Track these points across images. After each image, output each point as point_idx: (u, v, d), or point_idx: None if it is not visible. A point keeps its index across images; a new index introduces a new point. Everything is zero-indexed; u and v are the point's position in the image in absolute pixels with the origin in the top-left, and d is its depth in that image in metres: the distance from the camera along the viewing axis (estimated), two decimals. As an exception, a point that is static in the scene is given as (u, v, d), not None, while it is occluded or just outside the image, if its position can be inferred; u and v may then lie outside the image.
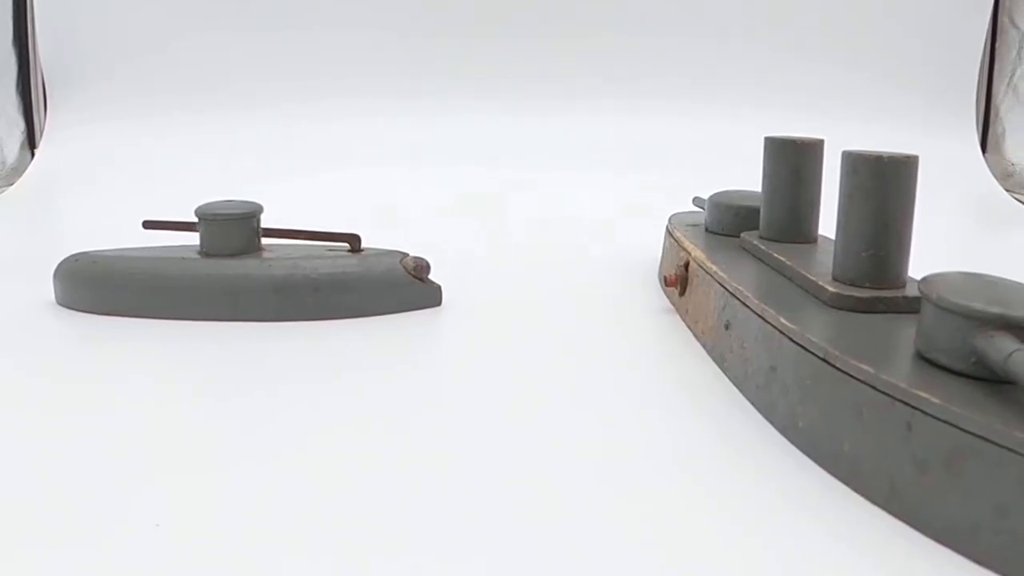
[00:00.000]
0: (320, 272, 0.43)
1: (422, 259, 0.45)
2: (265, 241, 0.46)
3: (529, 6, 0.92)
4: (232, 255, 0.44)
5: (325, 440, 0.29)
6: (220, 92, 0.90)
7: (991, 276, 0.28)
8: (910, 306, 0.32)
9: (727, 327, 0.37)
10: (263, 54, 0.91)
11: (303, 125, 0.89)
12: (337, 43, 0.91)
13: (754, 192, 0.48)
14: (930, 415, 0.24)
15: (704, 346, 0.40)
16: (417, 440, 0.29)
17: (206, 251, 0.44)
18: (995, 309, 0.25)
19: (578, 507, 0.25)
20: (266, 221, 0.45)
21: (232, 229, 0.44)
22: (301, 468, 0.27)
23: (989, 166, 0.99)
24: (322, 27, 0.91)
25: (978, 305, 0.25)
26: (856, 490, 0.27)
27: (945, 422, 0.24)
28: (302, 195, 0.73)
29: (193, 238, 0.45)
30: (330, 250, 0.45)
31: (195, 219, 0.44)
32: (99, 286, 0.43)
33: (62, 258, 0.45)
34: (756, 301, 0.34)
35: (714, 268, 0.40)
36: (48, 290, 0.45)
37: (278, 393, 0.33)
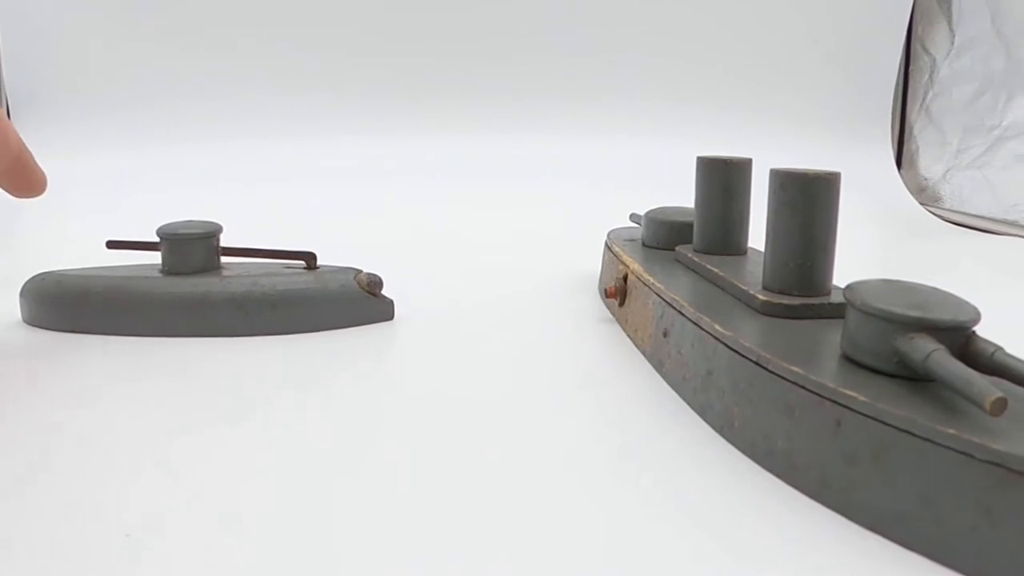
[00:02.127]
0: (278, 289, 0.43)
1: (375, 275, 0.45)
2: (225, 259, 0.45)
3: (476, 34, 0.92)
4: (193, 273, 0.43)
5: (286, 450, 0.29)
6: (179, 115, 0.90)
7: (909, 282, 0.29)
8: (835, 312, 0.33)
9: (665, 335, 0.37)
10: (220, 78, 0.90)
11: (260, 147, 0.89)
12: (292, 67, 0.91)
13: (687, 208, 0.48)
14: (857, 412, 0.25)
15: (644, 353, 0.40)
16: (371, 448, 0.29)
17: (168, 270, 0.44)
18: (914, 313, 0.26)
19: (530, 505, 0.25)
20: (225, 240, 0.45)
21: (193, 248, 0.44)
22: (263, 479, 0.27)
23: (904, 181, 1.01)
24: (277, 52, 0.90)
25: (898, 309, 0.26)
26: (790, 484, 0.27)
27: (871, 418, 0.24)
28: (260, 215, 0.73)
29: (155, 257, 0.45)
30: (287, 267, 0.45)
31: (157, 239, 0.44)
32: (65, 304, 0.43)
33: (28, 277, 0.44)
34: (692, 310, 0.35)
35: (651, 280, 0.40)
36: (15, 308, 0.44)
37: (238, 406, 0.33)
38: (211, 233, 0.44)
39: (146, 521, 0.24)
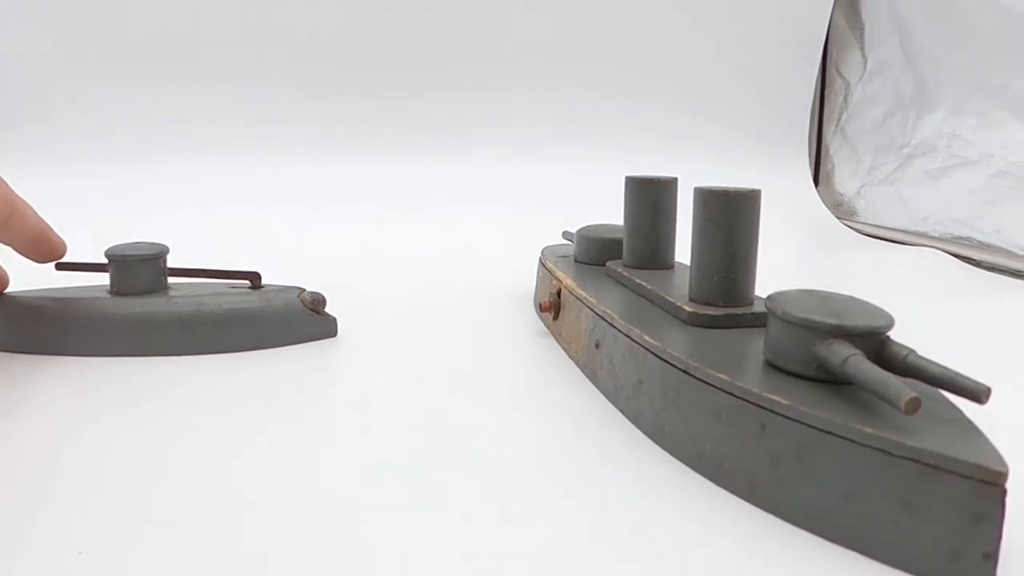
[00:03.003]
0: (224, 308, 0.42)
1: (318, 293, 0.45)
2: (171, 280, 0.45)
3: (415, 64, 0.92)
4: (140, 294, 0.43)
5: (234, 466, 0.29)
6: (125, 139, 0.88)
7: (827, 292, 0.29)
8: (758, 321, 0.33)
9: (597, 346, 0.38)
10: (165, 102, 0.89)
11: (206, 170, 0.88)
12: (236, 91, 0.90)
13: (617, 225, 0.49)
14: (781, 415, 0.25)
15: (577, 364, 0.40)
16: (315, 461, 0.29)
17: (116, 290, 0.43)
18: (832, 320, 0.26)
19: (471, 513, 0.25)
20: (172, 261, 0.45)
21: (140, 269, 0.43)
22: (211, 496, 0.26)
23: (821, 197, 1.02)
24: (223, 76, 0.89)
25: (817, 317, 0.26)
26: (720, 485, 0.27)
27: (794, 420, 0.25)
28: (206, 236, 0.72)
29: (103, 278, 0.44)
30: (232, 287, 0.45)
31: (105, 260, 0.43)
32: (15, 325, 0.42)
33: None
34: (622, 322, 0.35)
35: (584, 294, 0.41)
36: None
37: (185, 425, 0.33)
38: (158, 254, 0.44)
39: (97, 538, 0.23)
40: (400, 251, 0.74)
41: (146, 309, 0.42)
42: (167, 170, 0.87)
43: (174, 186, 0.86)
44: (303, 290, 0.45)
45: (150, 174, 0.87)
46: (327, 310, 0.46)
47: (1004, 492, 0.21)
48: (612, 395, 0.35)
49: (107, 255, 0.43)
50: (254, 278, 0.45)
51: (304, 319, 0.44)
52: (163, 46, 0.88)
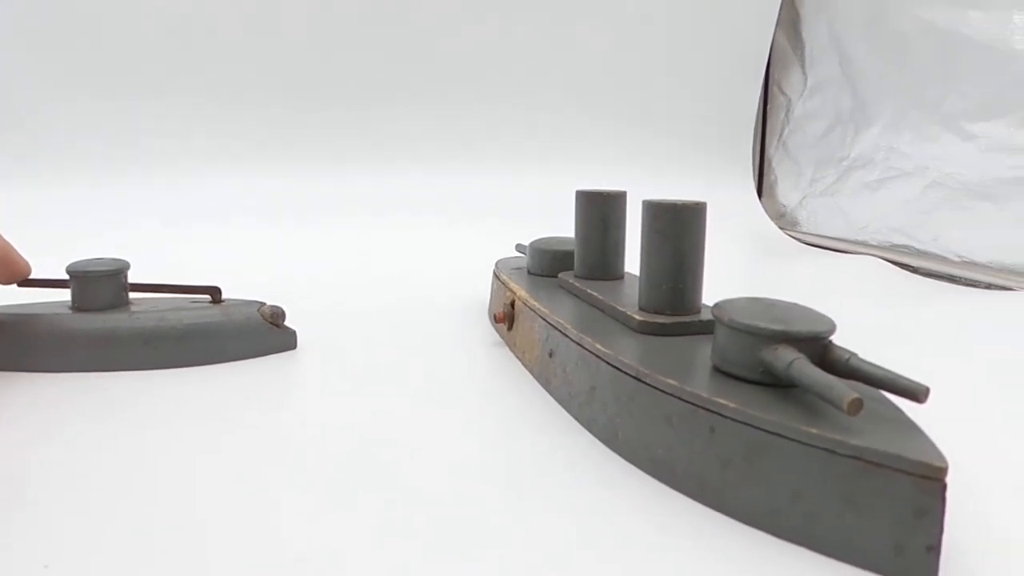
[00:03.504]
0: (185, 323, 0.42)
1: (278, 307, 0.45)
2: (133, 295, 0.44)
3: (373, 80, 0.92)
4: (102, 309, 0.42)
5: (196, 479, 0.28)
6: (86, 154, 0.87)
7: (771, 299, 0.30)
8: (705, 328, 0.34)
9: (551, 355, 0.38)
10: (124, 117, 0.88)
11: (166, 185, 0.87)
12: (195, 106, 0.89)
13: (568, 238, 0.49)
14: (729, 418, 0.25)
15: (532, 372, 0.40)
16: (275, 473, 0.29)
17: (77, 306, 0.43)
18: (776, 326, 0.27)
19: (432, 519, 0.25)
20: (133, 276, 0.44)
21: (101, 285, 0.42)
22: (173, 510, 0.26)
23: (765, 209, 1.03)
24: (182, 92, 0.88)
25: (762, 324, 0.27)
26: (672, 487, 0.28)
27: (742, 423, 0.25)
28: (166, 251, 0.71)
29: (65, 294, 0.43)
30: (193, 302, 0.44)
31: (67, 276, 0.42)
32: (-24, 341, 0.41)
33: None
34: (575, 331, 0.35)
35: (537, 305, 0.41)
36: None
37: (147, 439, 0.32)
38: (119, 270, 0.43)
39: (63, 552, 0.23)
40: (358, 265, 0.73)
41: (108, 324, 0.41)
42: (127, 186, 0.86)
43: (134, 202, 0.85)
44: (263, 304, 0.45)
45: (110, 190, 0.85)
46: (286, 323, 0.45)
47: (944, 487, 0.21)
48: (566, 402, 0.35)
49: (68, 271, 0.42)
50: (215, 293, 0.45)
51: (264, 332, 0.44)
52: (123, 62, 0.87)
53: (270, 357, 0.44)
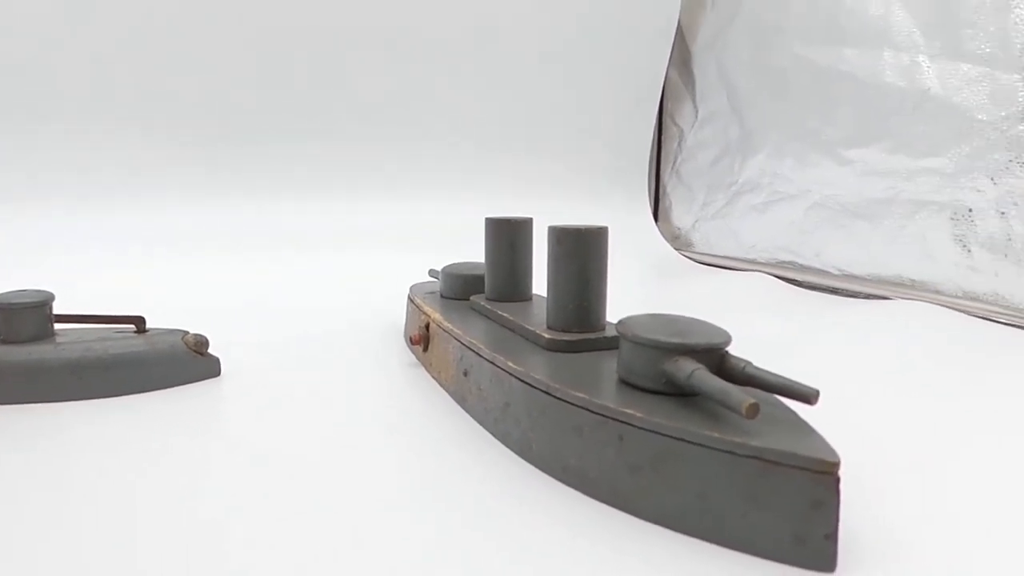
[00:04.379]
0: (111, 353, 0.40)
1: (201, 335, 0.44)
2: (58, 326, 0.43)
3: (296, 114, 0.91)
4: (28, 341, 0.41)
5: (122, 507, 0.27)
6: (7, 188, 0.84)
7: (670, 315, 0.30)
8: (611, 344, 0.34)
9: (465, 374, 0.37)
10: (44, 147, 0.85)
11: (89, 216, 0.84)
12: (118, 136, 0.87)
13: (478, 263, 0.49)
14: (636, 427, 0.26)
15: (448, 391, 0.40)
16: (192, 500, 0.28)
17: (3, 338, 0.41)
18: (677, 340, 0.27)
19: (358, 534, 0.25)
20: (58, 308, 0.43)
21: (26, 317, 0.41)
22: (98, 538, 0.25)
23: (661, 231, 1.05)
24: (105, 120, 0.86)
25: (663, 338, 0.27)
26: (585, 494, 0.28)
27: (649, 431, 0.25)
28: (91, 282, 0.69)
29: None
30: (118, 332, 0.43)
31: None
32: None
33: None
34: (487, 351, 0.35)
35: (450, 326, 0.41)
36: None
37: (73, 470, 0.31)
38: (44, 302, 0.41)
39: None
40: (278, 293, 0.72)
41: (34, 356, 0.40)
42: (50, 218, 0.83)
43: (57, 234, 0.82)
44: (187, 332, 0.44)
45: (32, 222, 0.83)
46: (210, 351, 0.44)
47: (838, 480, 0.22)
48: (481, 418, 0.35)
49: None
50: (139, 322, 0.43)
51: (188, 361, 0.43)
52: (38, 93, 0.84)
53: (195, 385, 0.43)
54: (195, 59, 0.86)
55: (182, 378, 0.43)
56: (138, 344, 0.42)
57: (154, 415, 0.37)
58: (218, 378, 0.44)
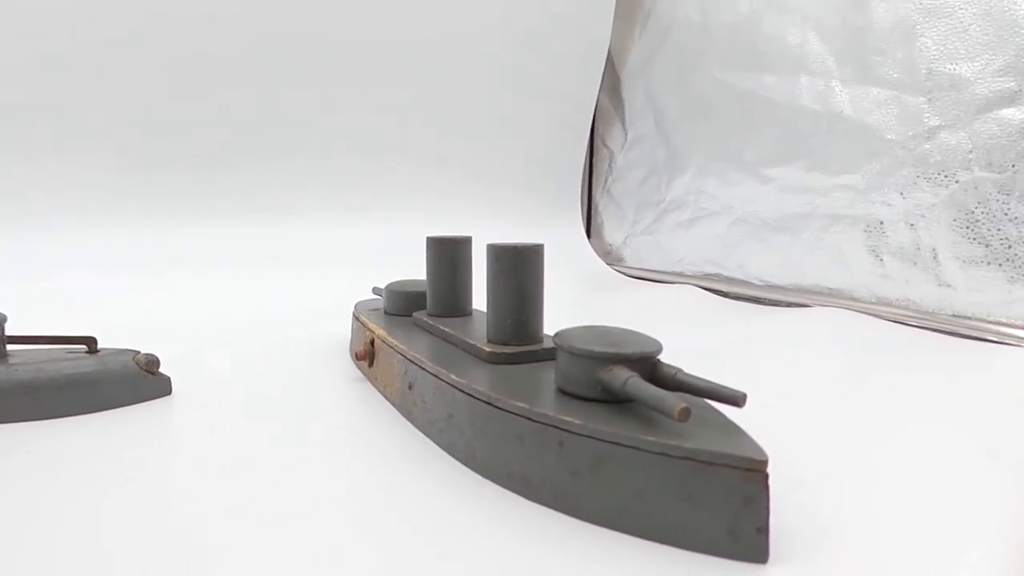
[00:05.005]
0: (63, 373, 0.39)
1: (152, 355, 0.43)
2: (10, 347, 0.42)
3: (236, 136, 0.90)
4: (-21, 363, 0.39)
5: (77, 526, 0.27)
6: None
7: (604, 327, 0.30)
8: (548, 355, 0.34)
9: (410, 387, 0.37)
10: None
11: (39, 237, 0.82)
12: (66, 155, 0.84)
13: (420, 280, 0.49)
14: (575, 433, 0.26)
15: (393, 404, 0.40)
16: (143, 518, 0.28)
17: (-45, 360, 0.40)
18: (611, 350, 0.27)
19: (301, 545, 0.24)
20: (10, 329, 0.41)
21: (-22, 338, 0.40)
22: (56, 555, 0.25)
23: (594, 248, 1.05)
24: (49, 146, 0.84)
25: (598, 348, 0.27)
26: (528, 499, 0.28)
27: (587, 436, 0.25)
28: (42, 303, 0.67)
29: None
30: (70, 352, 0.42)
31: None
32: None
33: None
34: (431, 364, 0.35)
35: (394, 342, 0.40)
36: None
37: (28, 489, 0.30)
38: None
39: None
40: (225, 312, 0.71)
41: (-13, 377, 0.38)
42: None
43: (5, 254, 0.80)
44: (138, 352, 0.43)
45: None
46: (161, 370, 0.43)
47: (766, 476, 0.22)
48: (426, 429, 0.35)
49: None
50: (90, 343, 0.42)
51: (140, 380, 0.42)
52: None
53: (146, 404, 0.42)
54: (139, 82, 0.85)
55: (134, 397, 0.42)
56: (90, 364, 0.41)
57: (106, 434, 0.37)
58: (169, 396, 0.43)
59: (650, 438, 0.24)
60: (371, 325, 0.45)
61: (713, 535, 0.23)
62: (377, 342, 0.43)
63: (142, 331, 0.56)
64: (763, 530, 0.23)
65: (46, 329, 0.44)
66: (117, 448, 0.35)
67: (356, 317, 0.50)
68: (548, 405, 0.28)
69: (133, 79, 0.84)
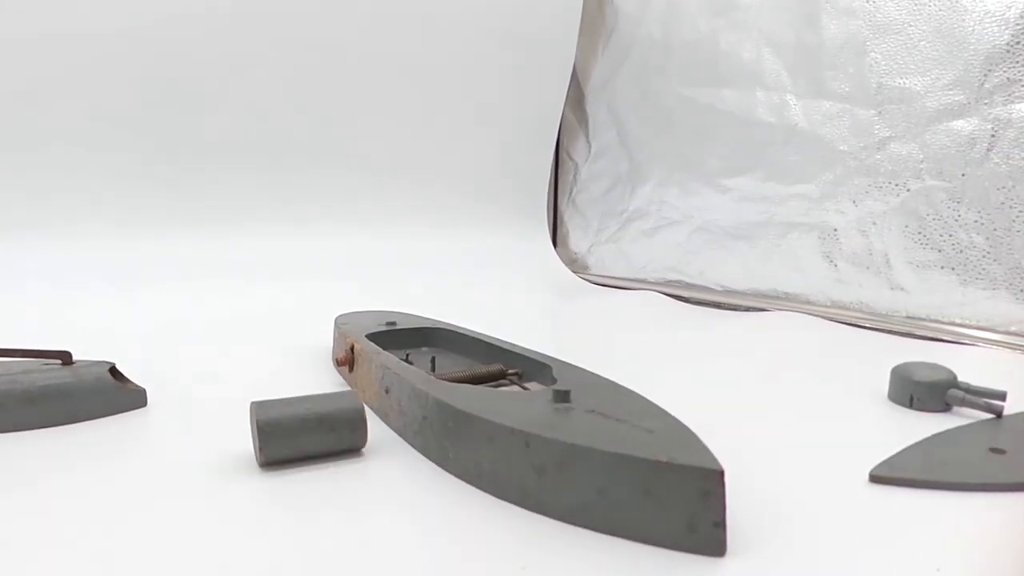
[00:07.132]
0: (37, 385, 0.39)
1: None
2: None
3: (215, 146, 0.89)
4: (-47, 376, 0.39)
5: (53, 539, 0.27)
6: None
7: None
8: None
9: (387, 392, 0.37)
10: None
11: (12, 249, 0.80)
12: (42, 165, 0.83)
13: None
14: (539, 435, 0.26)
15: (371, 408, 0.40)
16: (116, 528, 0.27)
17: (-72, 373, 0.39)
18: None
19: (292, 536, 0.24)
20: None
21: (-49, 351, 0.39)
22: (31, 570, 0.24)
23: (559, 256, 1.05)
24: (28, 148, 0.82)
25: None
26: (497, 496, 0.28)
27: (551, 438, 0.26)
28: (17, 316, 0.66)
29: (-88, 363, 0.40)
30: (44, 365, 0.41)
31: (-86, 345, 0.39)
32: None
33: None
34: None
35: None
36: None
37: (3, 502, 0.30)
38: None
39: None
40: (204, 323, 0.70)
41: (-41, 390, 0.38)
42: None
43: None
44: (113, 364, 0.42)
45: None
46: (136, 382, 0.43)
47: (722, 474, 0.23)
48: (402, 431, 0.35)
49: None
50: (65, 355, 0.42)
51: (115, 392, 0.41)
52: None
53: (121, 415, 0.41)
54: (111, 95, 0.84)
55: (108, 409, 0.41)
56: (64, 376, 0.40)
57: (80, 445, 0.36)
58: (145, 408, 0.43)
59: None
60: (350, 336, 0.45)
61: (672, 529, 0.23)
62: (357, 348, 0.43)
63: (118, 343, 0.56)
64: (720, 524, 0.23)
65: (20, 342, 0.43)
66: (91, 458, 0.34)
67: (338, 326, 0.50)
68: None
69: (108, 91, 0.84)
